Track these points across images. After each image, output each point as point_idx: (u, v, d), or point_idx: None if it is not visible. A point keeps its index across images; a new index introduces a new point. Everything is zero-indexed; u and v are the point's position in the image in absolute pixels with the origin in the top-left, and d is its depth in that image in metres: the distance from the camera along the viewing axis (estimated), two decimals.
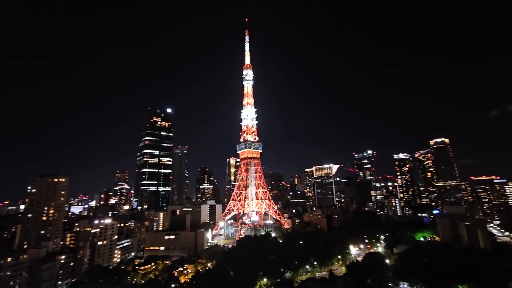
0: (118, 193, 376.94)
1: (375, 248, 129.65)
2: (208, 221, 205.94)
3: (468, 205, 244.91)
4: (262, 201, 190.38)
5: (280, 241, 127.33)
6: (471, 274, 69.95)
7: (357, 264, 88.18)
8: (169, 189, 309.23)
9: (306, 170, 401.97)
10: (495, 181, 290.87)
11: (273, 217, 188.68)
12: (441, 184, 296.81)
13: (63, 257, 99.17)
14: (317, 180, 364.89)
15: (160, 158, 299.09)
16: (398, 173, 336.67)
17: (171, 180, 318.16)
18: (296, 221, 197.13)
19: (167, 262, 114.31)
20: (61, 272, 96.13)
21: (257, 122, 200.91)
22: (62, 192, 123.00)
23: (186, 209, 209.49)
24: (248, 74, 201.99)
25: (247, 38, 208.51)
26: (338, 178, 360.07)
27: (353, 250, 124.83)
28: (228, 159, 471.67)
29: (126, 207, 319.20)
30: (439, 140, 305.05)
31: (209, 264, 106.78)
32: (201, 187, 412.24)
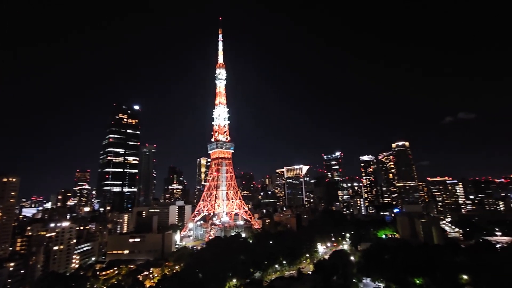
0: (78, 194, 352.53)
1: (341, 246, 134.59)
2: (176, 223, 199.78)
3: (424, 204, 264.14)
4: (233, 201, 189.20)
5: (250, 241, 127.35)
6: (426, 268, 75.12)
7: (324, 262, 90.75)
8: (135, 189, 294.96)
9: (277, 170, 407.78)
10: (448, 182, 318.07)
11: (243, 217, 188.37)
12: (401, 184, 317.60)
13: (12, 264, 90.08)
14: (288, 180, 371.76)
15: (126, 157, 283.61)
16: (363, 174, 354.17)
17: (137, 180, 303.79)
18: (267, 221, 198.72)
19: (132, 266, 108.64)
20: (9, 280, 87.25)
21: (229, 122, 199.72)
22: (12, 193, 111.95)
23: (153, 210, 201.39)
24: (221, 73, 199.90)
25: (220, 37, 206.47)
26: (307, 179, 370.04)
27: (321, 248, 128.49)
28: (199, 159, 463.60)
29: (87, 209, 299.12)
30: (400, 143, 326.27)
31: (176, 267, 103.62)
32: (169, 187, 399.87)
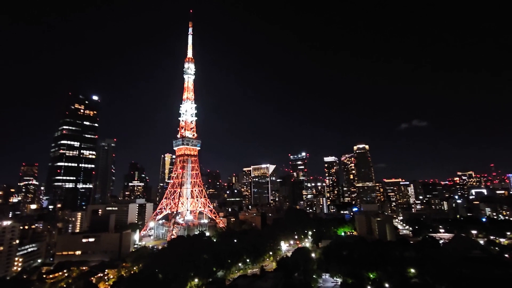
0: (23, 190, 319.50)
1: (303, 244, 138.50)
2: (136, 222, 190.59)
3: (380, 204, 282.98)
4: (197, 200, 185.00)
5: (214, 240, 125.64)
6: (379, 263, 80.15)
7: (287, 259, 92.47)
8: (91, 186, 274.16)
9: (244, 169, 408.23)
10: (401, 183, 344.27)
11: (208, 216, 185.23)
12: (361, 184, 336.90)
13: None
14: (255, 179, 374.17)
15: (81, 151, 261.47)
16: (327, 174, 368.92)
17: (93, 176, 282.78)
18: (232, 219, 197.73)
19: (84, 268, 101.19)
20: None
21: (196, 118, 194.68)
22: None
23: (110, 208, 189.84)
24: (190, 68, 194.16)
25: (190, 30, 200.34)
26: (274, 178, 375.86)
27: (284, 246, 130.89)
28: (163, 156, 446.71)
29: (34, 206, 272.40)
30: (361, 146, 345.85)
31: (135, 268, 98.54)
32: (130, 184, 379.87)
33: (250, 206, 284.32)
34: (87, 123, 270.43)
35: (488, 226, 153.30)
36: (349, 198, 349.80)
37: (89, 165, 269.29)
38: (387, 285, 70.28)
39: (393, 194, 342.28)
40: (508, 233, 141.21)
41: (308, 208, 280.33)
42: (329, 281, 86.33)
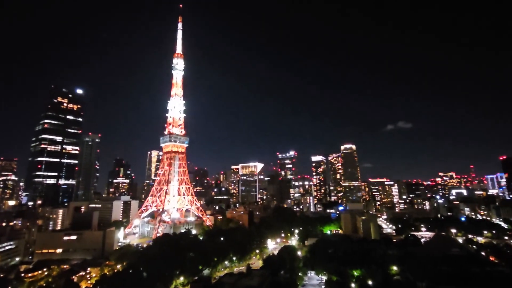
0: (1, 186, 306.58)
1: (290, 242, 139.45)
2: (121, 219, 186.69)
3: (365, 203, 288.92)
4: (184, 197, 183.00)
5: (201, 238, 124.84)
6: (363, 261, 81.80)
7: (273, 257, 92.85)
8: (73, 182, 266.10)
9: (232, 167, 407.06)
10: (386, 183, 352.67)
11: (195, 214, 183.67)
12: (347, 184, 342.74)
13: None
14: (242, 177, 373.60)
15: (64, 146, 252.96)
16: (314, 173, 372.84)
17: (76, 172, 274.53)
18: (219, 217, 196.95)
19: (65, 266, 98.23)
20: None
21: (185, 115, 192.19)
22: None
23: (93, 205, 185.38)
24: (179, 64, 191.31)
25: (180, 25, 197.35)
26: (262, 176, 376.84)
27: (271, 244, 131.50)
28: (149, 152, 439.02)
29: (12, 202, 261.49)
30: (348, 146, 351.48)
31: (118, 266, 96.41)
32: (114, 181, 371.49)
33: (237, 204, 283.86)
34: (71, 117, 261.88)
35: (466, 225, 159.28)
36: (335, 197, 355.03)
37: (72, 161, 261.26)
38: (370, 282, 71.67)
39: (378, 193, 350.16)
40: (485, 232, 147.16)
41: (295, 207, 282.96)
42: (314, 278, 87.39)
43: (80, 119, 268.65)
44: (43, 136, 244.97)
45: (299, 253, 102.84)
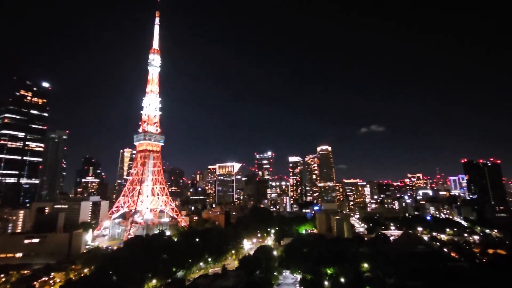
0: None
1: (266, 242, 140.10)
2: (89, 221, 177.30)
3: (339, 203, 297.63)
4: (158, 197, 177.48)
5: (175, 240, 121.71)
6: (336, 259, 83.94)
7: (249, 258, 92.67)
8: (37, 181, 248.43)
9: (209, 167, 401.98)
10: (359, 183, 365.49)
11: (169, 214, 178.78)
12: (322, 184, 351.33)
13: None
14: (220, 177, 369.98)
15: (27, 143, 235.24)
16: (291, 174, 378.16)
17: (40, 171, 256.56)
18: (194, 218, 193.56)
19: (25, 271, 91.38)
20: None
21: (160, 112, 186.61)
22: None
23: (59, 206, 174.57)
24: (155, 60, 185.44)
25: (157, 20, 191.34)
26: (239, 176, 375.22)
27: (247, 244, 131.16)
28: (122, 150, 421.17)
29: None
30: (324, 147, 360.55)
31: (85, 270, 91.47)
32: (83, 180, 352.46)
33: (214, 205, 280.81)
34: (35, 112, 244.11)
35: (431, 224, 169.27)
36: (311, 197, 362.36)
37: (36, 159, 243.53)
38: (342, 280, 73.61)
39: (351, 193, 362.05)
40: (448, 230, 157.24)
41: (272, 207, 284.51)
42: (289, 277, 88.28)
43: (45, 114, 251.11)
44: (3, 131, 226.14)
45: (274, 252, 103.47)
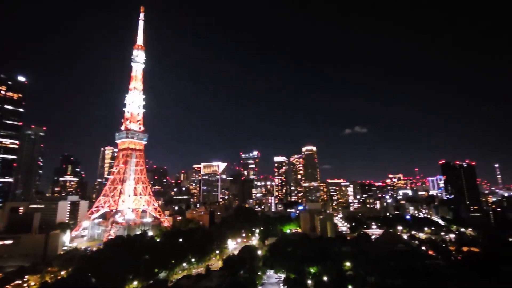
0: None
1: (250, 241, 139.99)
2: (67, 221, 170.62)
3: (323, 202, 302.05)
4: (141, 197, 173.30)
5: (158, 240, 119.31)
6: (319, 258, 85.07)
7: (233, 258, 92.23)
8: (11, 180, 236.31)
9: (194, 166, 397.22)
10: (342, 183, 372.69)
11: (152, 214, 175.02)
12: (307, 184, 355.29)
13: None
14: (204, 177, 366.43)
15: (0, 139, 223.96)
16: (276, 174, 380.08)
17: (15, 169, 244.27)
18: (178, 218, 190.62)
19: None
20: None
21: (144, 110, 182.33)
22: None
23: (35, 206, 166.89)
24: (139, 56, 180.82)
25: (141, 15, 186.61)
26: (224, 176, 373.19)
27: (232, 244, 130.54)
28: (103, 149, 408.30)
29: None
30: (309, 148, 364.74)
31: (62, 272, 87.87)
32: (61, 179, 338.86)
33: (198, 205, 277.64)
34: (9, 107, 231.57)
35: (411, 223, 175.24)
36: (296, 197, 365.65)
37: (10, 156, 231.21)
38: (325, 278, 74.67)
39: (335, 193, 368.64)
40: (426, 229, 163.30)
41: (257, 207, 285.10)
42: (273, 277, 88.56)
43: (20, 110, 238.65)
44: None
45: (259, 252, 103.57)
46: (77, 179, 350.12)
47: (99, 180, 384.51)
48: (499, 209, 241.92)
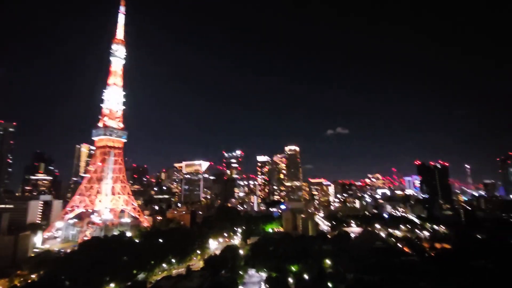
0: None
1: (232, 241, 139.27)
2: (39, 222, 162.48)
3: (305, 201, 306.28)
4: (119, 197, 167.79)
5: (137, 241, 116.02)
6: (301, 256, 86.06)
7: (215, 257, 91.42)
8: None
9: (176, 165, 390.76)
10: (324, 183, 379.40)
11: (131, 214, 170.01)
12: (290, 184, 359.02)
13: None
14: (186, 176, 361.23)
15: None
16: (259, 173, 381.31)
17: None
18: (158, 218, 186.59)
19: None
20: None
21: (124, 107, 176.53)
22: None
23: (3, 206, 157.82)
24: (119, 50, 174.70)
25: (122, 9, 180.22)
26: (207, 175, 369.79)
27: (213, 244, 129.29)
28: (79, 146, 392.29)
29: None
30: (292, 147, 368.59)
31: (33, 276, 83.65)
32: (32, 177, 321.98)
33: (179, 204, 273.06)
34: None
35: (388, 221, 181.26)
36: (278, 196, 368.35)
37: None
38: (306, 276, 75.56)
39: (316, 193, 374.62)
40: (402, 227, 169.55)
41: (239, 206, 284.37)
42: (255, 276, 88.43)
43: None
44: None
45: (241, 251, 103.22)
46: (51, 178, 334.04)
47: (75, 179, 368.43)
48: (469, 208, 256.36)
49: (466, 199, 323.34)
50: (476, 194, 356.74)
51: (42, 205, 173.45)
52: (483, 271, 73.13)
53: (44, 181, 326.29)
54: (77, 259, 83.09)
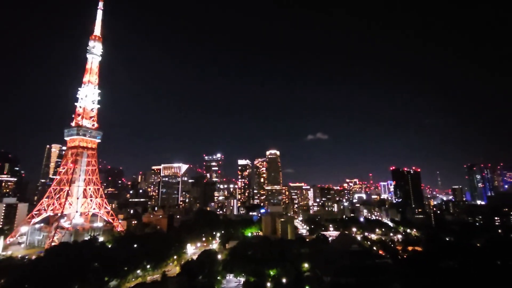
0: None
1: (211, 246, 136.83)
2: (1, 226, 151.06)
3: (285, 205, 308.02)
4: (91, 200, 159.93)
5: (110, 246, 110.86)
6: (279, 260, 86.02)
7: (192, 263, 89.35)
8: None
9: (153, 167, 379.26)
10: (303, 187, 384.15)
11: (104, 218, 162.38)
12: (270, 188, 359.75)
13: None
14: (164, 179, 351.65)
15: None
16: (239, 177, 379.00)
17: None
18: (133, 222, 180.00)
19: None
20: None
21: (99, 106, 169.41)
22: None
23: None
24: (96, 47, 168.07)
25: (100, 4, 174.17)
26: (186, 178, 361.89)
27: (191, 249, 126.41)
28: (49, 146, 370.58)
29: None
30: (272, 151, 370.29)
31: None
32: None
33: (156, 208, 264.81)
34: None
35: (364, 225, 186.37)
36: (258, 200, 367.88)
37: None
38: (284, 280, 75.54)
39: (296, 197, 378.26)
40: (377, 230, 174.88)
41: (218, 210, 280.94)
42: (232, 281, 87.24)
43: None
44: None
45: (219, 256, 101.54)
46: (15, 179, 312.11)
47: (43, 180, 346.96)
48: (439, 212, 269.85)
49: (436, 203, 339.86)
50: (445, 199, 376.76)
51: (5, 209, 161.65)
52: (450, 272, 77.00)
53: (8, 183, 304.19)
54: (43, 266, 77.80)
